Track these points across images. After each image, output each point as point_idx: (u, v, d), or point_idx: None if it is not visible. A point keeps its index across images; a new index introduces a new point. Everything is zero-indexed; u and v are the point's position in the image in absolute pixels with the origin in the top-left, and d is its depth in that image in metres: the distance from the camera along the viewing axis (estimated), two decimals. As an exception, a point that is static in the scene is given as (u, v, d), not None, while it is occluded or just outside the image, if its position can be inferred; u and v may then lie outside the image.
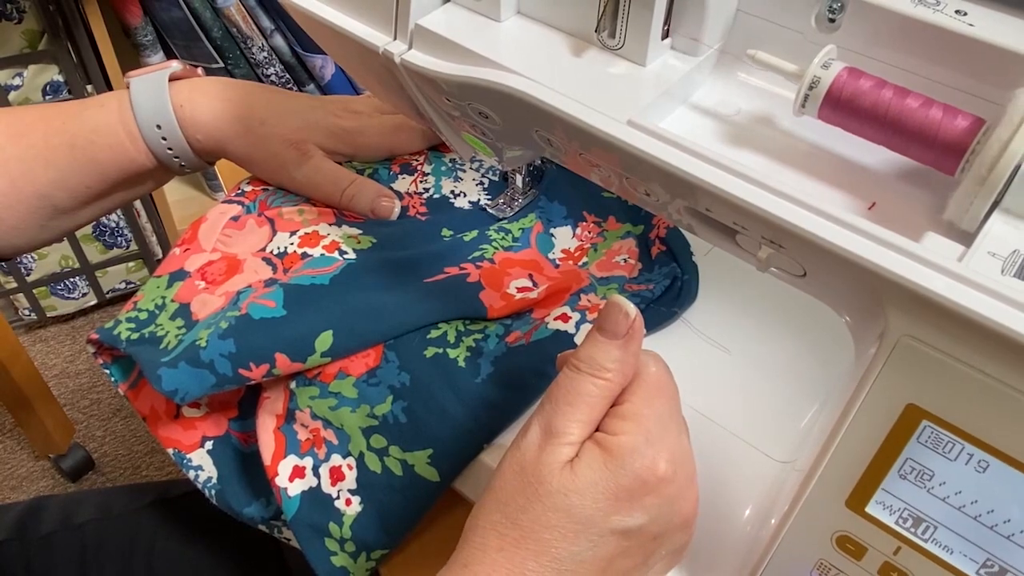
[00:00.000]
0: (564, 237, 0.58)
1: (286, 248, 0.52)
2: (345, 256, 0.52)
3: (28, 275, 1.39)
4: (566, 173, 0.59)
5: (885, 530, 0.32)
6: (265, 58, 1.43)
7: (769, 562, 0.37)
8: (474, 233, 0.56)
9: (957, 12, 0.32)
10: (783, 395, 0.48)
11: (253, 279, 0.51)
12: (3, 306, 1.45)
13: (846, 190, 0.32)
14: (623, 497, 0.33)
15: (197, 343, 0.45)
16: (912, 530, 0.32)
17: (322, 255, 0.51)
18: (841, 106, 0.31)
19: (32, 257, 1.37)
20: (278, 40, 1.43)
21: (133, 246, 1.43)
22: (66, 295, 1.46)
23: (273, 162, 0.54)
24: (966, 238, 0.29)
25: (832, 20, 0.34)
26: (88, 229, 1.38)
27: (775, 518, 0.37)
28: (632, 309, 0.35)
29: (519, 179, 0.59)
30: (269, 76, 1.46)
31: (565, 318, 0.50)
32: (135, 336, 0.49)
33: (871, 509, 0.32)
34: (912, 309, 0.28)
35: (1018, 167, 0.27)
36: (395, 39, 0.40)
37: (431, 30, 0.38)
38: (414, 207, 0.58)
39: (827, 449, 0.32)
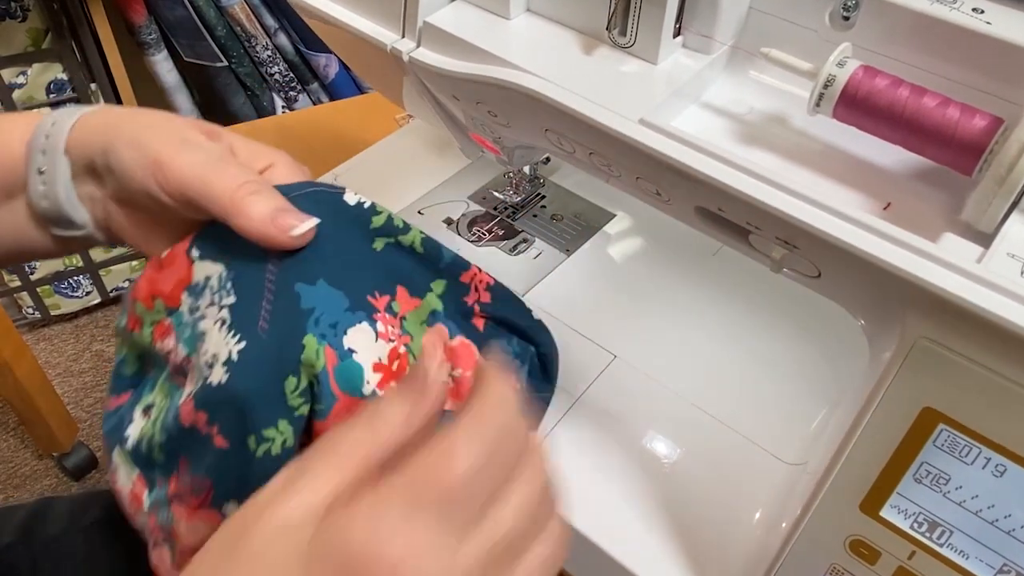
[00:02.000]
0: (366, 345, 0.37)
1: None
2: None
3: (32, 273, 1.38)
4: (332, 241, 0.38)
5: (900, 535, 0.32)
6: (269, 56, 1.43)
7: (781, 566, 0.36)
8: (287, 431, 0.36)
9: (974, 10, 0.31)
10: (793, 397, 0.48)
11: None
12: (7, 304, 1.45)
13: (861, 190, 0.32)
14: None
15: None
16: (927, 535, 0.31)
17: None
18: (857, 105, 0.31)
19: (36, 255, 1.37)
20: (282, 39, 1.43)
21: (137, 245, 1.43)
22: (70, 294, 1.46)
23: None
24: (984, 239, 0.28)
25: (846, 18, 0.33)
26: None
27: (786, 522, 0.37)
28: (436, 377, 0.30)
29: (527, 168, 0.58)
30: (273, 74, 1.46)
31: None
32: None
33: (886, 513, 0.32)
34: (929, 311, 0.28)
35: (1038, 167, 0.27)
36: (403, 37, 0.40)
37: (440, 27, 0.38)
38: (191, 415, 0.37)
39: (841, 452, 0.32)
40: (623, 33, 0.36)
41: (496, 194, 0.61)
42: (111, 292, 1.48)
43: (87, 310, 1.52)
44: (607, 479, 0.44)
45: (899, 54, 0.32)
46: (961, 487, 0.30)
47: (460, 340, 0.40)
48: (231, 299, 0.38)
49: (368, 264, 0.39)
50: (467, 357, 0.39)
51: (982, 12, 0.31)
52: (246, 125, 0.84)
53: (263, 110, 1.51)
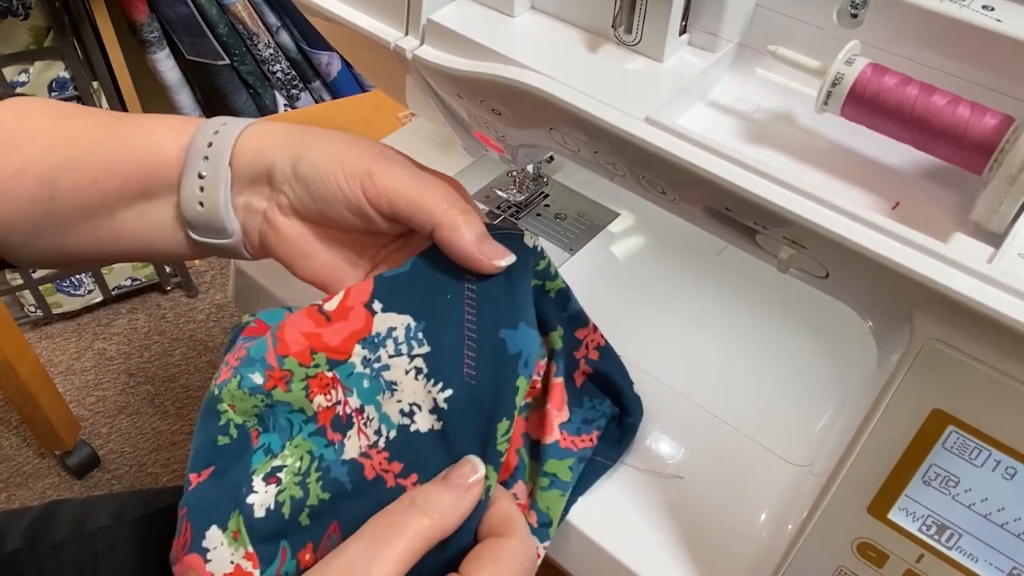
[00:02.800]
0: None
1: None
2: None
3: (34, 272, 1.38)
4: (521, 282, 0.40)
5: (908, 537, 0.31)
6: (271, 55, 1.43)
7: (787, 569, 0.36)
8: (492, 479, 0.38)
9: (984, 7, 0.31)
10: (799, 397, 0.47)
11: None
12: (9, 303, 1.45)
13: (870, 189, 0.32)
14: None
15: None
16: (936, 537, 0.31)
17: None
18: (865, 103, 0.31)
19: (38, 254, 1.37)
20: (284, 37, 1.43)
21: (139, 243, 1.42)
22: (72, 292, 1.46)
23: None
24: (995, 240, 0.28)
25: (854, 15, 0.33)
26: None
27: (792, 523, 0.37)
28: (481, 470, 0.36)
29: (530, 166, 0.57)
30: (275, 73, 1.46)
31: None
32: None
33: (894, 516, 0.31)
34: (939, 312, 0.28)
35: (1050, 166, 0.27)
36: (407, 34, 0.40)
37: (444, 25, 0.38)
38: (379, 467, 0.38)
39: (848, 454, 0.32)
40: (628, 31, 0.36)
41: (499, 193, 0.61)
42: (113, 290, 1.48)
43: (89, 308, 1.52)
44: (611, 479, 0.44)
45: (908, 52, 0.32)
46: (970, 489, 0.29)
47: (560, 380, 0.42)
48: (424, 349, 0.39)
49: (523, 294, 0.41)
50: (558, 397, 0.41)
51: (992, 9, 0.31)
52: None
53: (265, 108, 1.51)
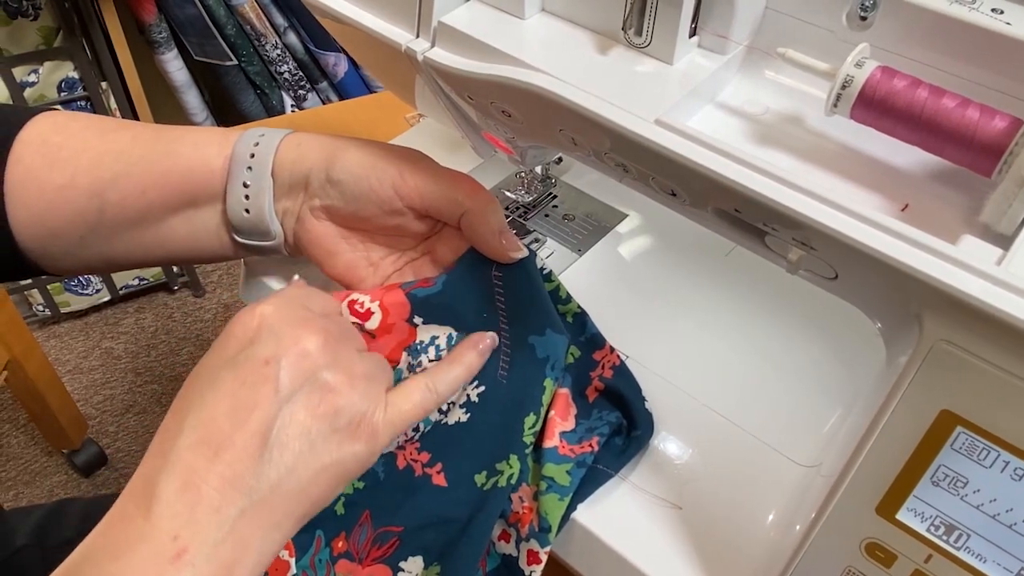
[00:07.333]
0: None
1: None
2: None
3: (42, 271, 1.39)
4: (541, 292, 0.44)
5: (916, 538, 0.32)
6: (278, 55, 1.44)
7: (795, 569, 0.36)
8: (516, 466, 0.41)
9: (993, 10, 0.31)
10: (806, 398, 0.48)
11: None
12: (17, 302, 1.45)
13: (878, 191, 0.32)
14: (221, 341, 0.36)
15: None
16: (944, 538, 0.31)
17: None
18: (875, 106, 0.31)
19: (46, 253, 1.37)
20: (291, 37, 1.43)
21: (146, 243, 1.43)
22: (80, 291, 1.47)
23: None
24: (1004, 241, 0.28)
25: (864, 18, 0.33)
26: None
27: (800, 524, 0.37)
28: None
29: (539, 168, 0.58)
30: (282, 73, 1.46)
31: (506, 537, 0.42)
32: None
33: (902, 516, 0.32)
34: (948, 313, 0.28)
35: (1059, 169, 0.27)
36: (418, 36, 0.40)
37: (454, 27, 0.38)
38: (410, 456, 0.42)
39: (857, 455, 0.32)
40: (639, 33, 0.36)
41: (508, 194, 0.61)
42: (120, 290, 1.49)
43: (97, 308, 1.52)
44: (619, 478, 0.44)
45: (917, 55, 0.32)
46: (979, 490, 0.30)
47: (566, 391, 0.44)
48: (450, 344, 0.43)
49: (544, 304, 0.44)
50: (562, 407, 0.44)
51: (1001, 12, 0.31)
52: (255, 124, 0.84)
53: (272, 109, 1.52)
